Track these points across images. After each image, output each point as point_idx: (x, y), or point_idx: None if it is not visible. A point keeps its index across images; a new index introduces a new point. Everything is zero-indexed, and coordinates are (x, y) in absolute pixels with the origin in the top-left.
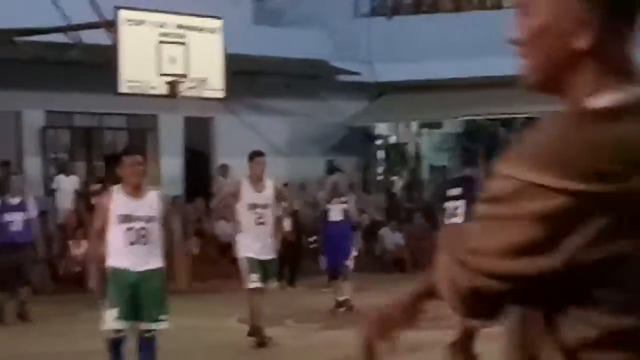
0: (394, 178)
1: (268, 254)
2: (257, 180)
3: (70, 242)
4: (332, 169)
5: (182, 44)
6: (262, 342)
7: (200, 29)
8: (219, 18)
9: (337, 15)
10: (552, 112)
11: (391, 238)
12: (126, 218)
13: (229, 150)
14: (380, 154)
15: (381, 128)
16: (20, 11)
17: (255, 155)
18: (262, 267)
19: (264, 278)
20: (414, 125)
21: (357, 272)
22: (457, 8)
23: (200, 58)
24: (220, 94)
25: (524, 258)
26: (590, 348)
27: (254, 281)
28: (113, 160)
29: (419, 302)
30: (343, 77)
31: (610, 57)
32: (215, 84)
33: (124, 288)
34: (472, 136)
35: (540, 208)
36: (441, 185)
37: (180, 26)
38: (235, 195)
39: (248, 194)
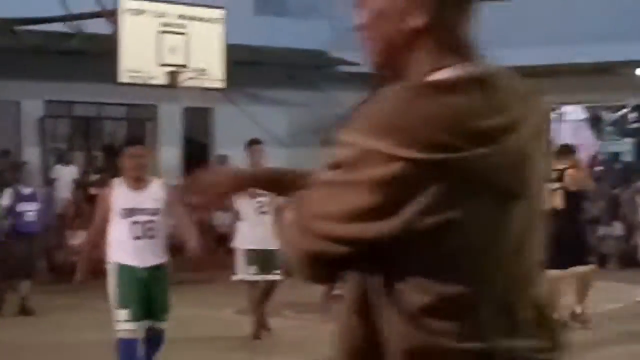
0: None
1: (269, 244)
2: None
3: (68, 232)
4: None
5: (183, 34)
6: (256, 335)
7: (201, 19)
8: (220, 8)
9: (338, 6)
10: (391, 86)
11: None
12: (130, 212)
13: (229, 140)
14: None
15: None
16: (20, 0)
17: (252, 143)
18: (264, 258)
19: (266, 269)
20: None
21: None
22: None
23: (200, 48)
24: (220, 84)
25: (364, 223)
26: (426, 314)
27: (250, 274)
28: (113, 151)
29: (264, 181)
30: (344, 68)
31: (446, 35)
32: (215, 74)
33: (133, 286)
34: None
35: (379, 174)
36: None
37: (181, 16)
38: None
39: None
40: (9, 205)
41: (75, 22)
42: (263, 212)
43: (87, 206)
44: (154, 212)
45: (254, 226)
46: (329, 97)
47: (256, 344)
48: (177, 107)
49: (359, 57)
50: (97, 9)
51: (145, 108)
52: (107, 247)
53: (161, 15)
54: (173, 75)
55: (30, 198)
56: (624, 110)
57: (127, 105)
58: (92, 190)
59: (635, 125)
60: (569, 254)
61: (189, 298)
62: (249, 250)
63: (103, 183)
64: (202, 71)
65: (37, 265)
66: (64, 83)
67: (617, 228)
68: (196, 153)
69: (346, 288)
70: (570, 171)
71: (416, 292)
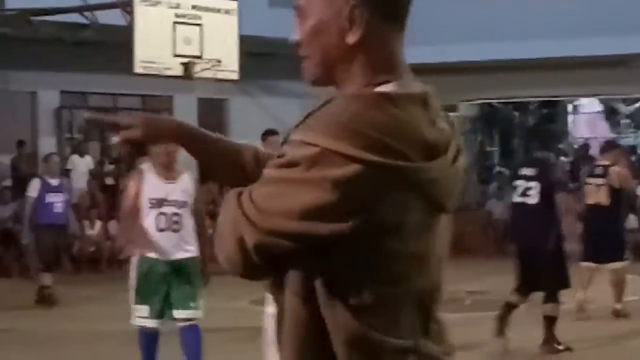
0: None
1: None
2: None
3: (84, 223)
4: None
5: (198, 25)
6: None
7: (216, 10)
8: (234, 0)
9: None
10: (341, 93)
11: None
12: (159, 202)
13: (243, 131)
14: None
15: None
16: None
17: (268, 134)
18: None
19: None
20: None
21: None
22: None
23: (215, 39)
24: (234, 76)
25: (316, 221)
26: (363, 309)
27: None
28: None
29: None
30: None
31: (379, 52)
32: (229, 66)
33: (153, 281)
34: (486, 120)
35: (337, 174)
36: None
37: (195, 7)
38: None
39: None
40: (37, 196)
41: (90, 13)
42: None
43: (102, 196)
44: (182, 204)
45: None
46: None
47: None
48: (192, 98)
49: None
50: (112, 0)
51: (160, 99)
52: (131, 238)
53: (176, 6)
54: (188, 66)
55: (58, 189)
56: None
57: (142, 96)
58: (108, 181)
59: None
60: (609, 250)
61: (204, 289)
62: None
63: (118, 173)
64: (216, 62)
65: (63, 257)
66: (80, 74)
67: (632, 221)
68: None
69: (291, 282)
70: (615, 168)
71: (356, 289)
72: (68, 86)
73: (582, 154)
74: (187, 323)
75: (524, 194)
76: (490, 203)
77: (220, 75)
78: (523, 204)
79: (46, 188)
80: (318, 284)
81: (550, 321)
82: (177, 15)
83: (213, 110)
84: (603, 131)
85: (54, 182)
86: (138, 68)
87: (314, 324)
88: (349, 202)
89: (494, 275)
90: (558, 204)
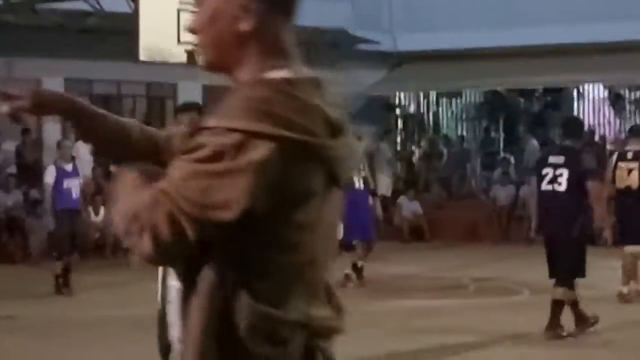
0: (413, 148)
1: None
2: None
3: (89, 209)
4: None
5: None
6: None
7: None
8: None
9: None
10: (242, 82)
11: (409, 207)
12: None
13: None
14: (399, 124)
15: (400, 97)
16: None
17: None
18: None
19: None
20: (433, 95)
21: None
22: None
23: None
24: None
25: (251, 204)
26: (266, 288)
27: None
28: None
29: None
30: (363, 46)
31: (271, 40)
32: None
33: None
34: (491, 106)
35: (258, 156)
36: (543, 152)
37: None
38: None
39: None
40: (54, 182)
41: (95, 1)
42: None
43: (107, 183)
44: None
45: None
46: (350, 75)
47: None
48: (197, 85)
49: (379, 35)
50: None
51: (164, 86)
52: None
53: None
54: (192, 53)
55: (72, 174)
56: None
57: (147, 83)
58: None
59: None
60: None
61: None
62: None
63: None
64: None
65: (81, 241)
66: (84, 61)
67: None
68: None
69: (206, 265)
70: None
71: (262, 263)
72: (73, 73)
73: (588, 140)
74: None
75: (552, 181)
76: (495, 189)
77: None
78: (551, 192)
79: (62, 174)
80: (229, 264)
81: (559, 305)
82: (181, 2)
83: (217, 98)
84: (608, 117)
85: (68, 167)
86: (142, 55)
87: (221, 304)
88: (273, 179)
89: (498, 262)
90: (588, 192)
